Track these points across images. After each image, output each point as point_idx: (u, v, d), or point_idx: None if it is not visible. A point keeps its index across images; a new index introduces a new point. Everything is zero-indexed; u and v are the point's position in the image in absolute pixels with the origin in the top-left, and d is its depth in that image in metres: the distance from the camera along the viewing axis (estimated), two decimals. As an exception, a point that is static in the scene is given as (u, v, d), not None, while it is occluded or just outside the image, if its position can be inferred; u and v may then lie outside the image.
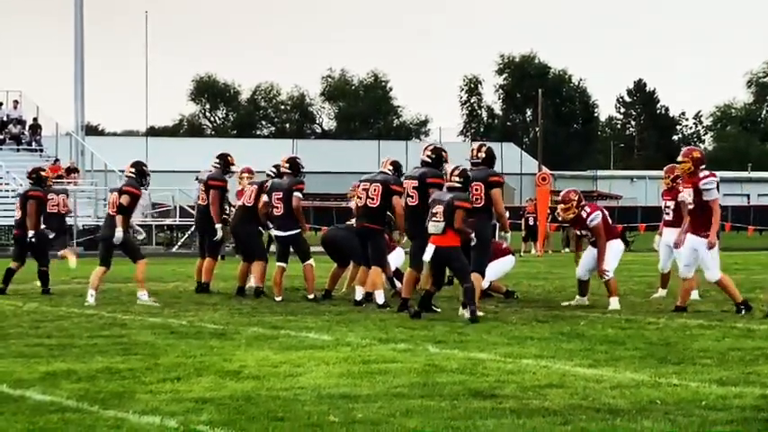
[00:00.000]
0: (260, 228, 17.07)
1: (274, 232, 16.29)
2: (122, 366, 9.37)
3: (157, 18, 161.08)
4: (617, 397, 7.87)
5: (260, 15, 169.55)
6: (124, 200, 15.52)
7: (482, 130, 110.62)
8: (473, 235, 13.35)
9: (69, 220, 38.00)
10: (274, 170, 16.70)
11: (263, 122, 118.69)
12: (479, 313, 13.02)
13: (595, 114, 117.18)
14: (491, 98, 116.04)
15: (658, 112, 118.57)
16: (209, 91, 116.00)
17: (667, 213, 16.45)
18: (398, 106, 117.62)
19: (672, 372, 9.03)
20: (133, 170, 15.92)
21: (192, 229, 30.37)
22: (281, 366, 9.31)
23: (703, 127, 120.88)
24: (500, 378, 8.68)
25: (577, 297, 15.20)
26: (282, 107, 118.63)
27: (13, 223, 18.20)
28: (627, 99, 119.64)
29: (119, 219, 15.58)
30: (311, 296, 15.82)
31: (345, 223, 16.92)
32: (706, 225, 13.61)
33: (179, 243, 38.90)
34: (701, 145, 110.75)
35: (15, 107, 46.27)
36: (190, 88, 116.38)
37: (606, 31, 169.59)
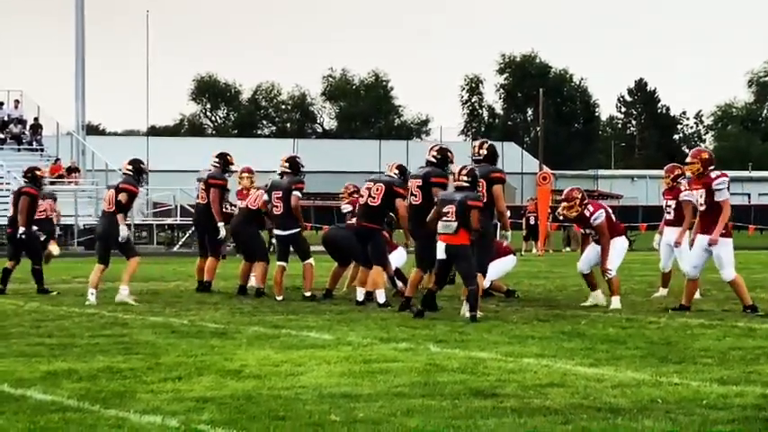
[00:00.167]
0: (260, 230, 17.07)
1: (275, 231, 16.29)
2: (123, 366, 9.37)
3: (158, 18, 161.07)
4: (618, 396, 7.87)
5: (261, 15, 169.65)
6: (123, 197, 15.52)
7: (483, 129, 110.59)
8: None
9: (70, 220, 38.26)
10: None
11: (264, 122, 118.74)
12: (480, 314, 13.02)
13: (596, 114, 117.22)
14: (492, 98, 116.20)
15: (659, 111, 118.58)
16: (209, 90, 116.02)
17: (668, 213, 16.45)
18: (399, 106, 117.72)
19: (673, 371, 9.03)
20: (130, 167, 15.91)
21: (193, 229, 30.33)
22: (283, 366, 9.31)
23: (704, 126, 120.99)
24: (501, 377, 8.68)
25: (590, 295, 15.02)
26: (283, 107, 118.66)
27: (7, 221, 18.04)
28: (628, 98, 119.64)
29: (120, 217, 15.63)
30: (308, 293, 15.81)
31: (345, 223, 16.90)
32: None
33: (180, 242, 38.90)
34: (702, 144, 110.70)
35: (16, 107, 46.28)
36: (191, 88, 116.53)
37: (607, 30, 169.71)
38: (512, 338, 11.21)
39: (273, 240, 17.13)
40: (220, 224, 17.56)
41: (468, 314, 13.01)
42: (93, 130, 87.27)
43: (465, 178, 13.40)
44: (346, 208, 17.07)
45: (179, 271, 23.52)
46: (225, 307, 14.85)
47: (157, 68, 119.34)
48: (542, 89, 71.85)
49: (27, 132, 45.72)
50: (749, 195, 79.99)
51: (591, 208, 14.70)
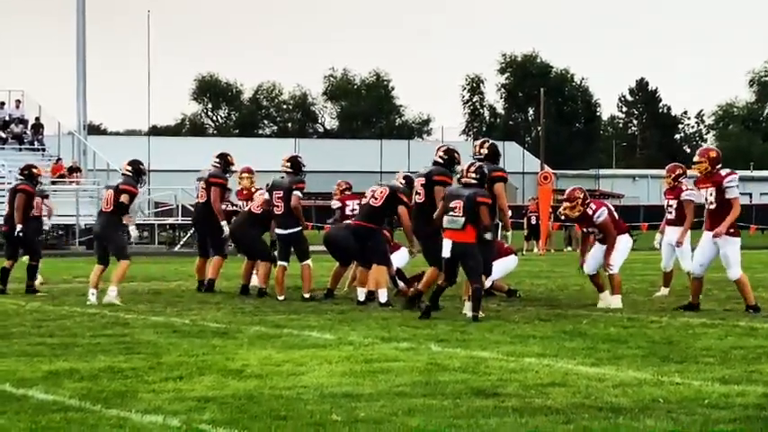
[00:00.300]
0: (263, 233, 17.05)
1: (276, 231, 16.28)
2: (125, 365, 9.37)
3: (159, 17, 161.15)
4: (619, 395, 7.87)
5: (262, 15, 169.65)
6: (125, 199, 15.54)
7: (484, 129, 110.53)
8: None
9: (71, 220, 38.30)
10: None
11: (266, 122, 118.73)
12: (481, 314, 13.00)
13: (597, 113, 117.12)
14: (493, 97, 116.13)
15: (660, 111, 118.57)
16: (211, 90, 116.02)
17: (669, 212, 16.44)
18: (400, 105, 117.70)
19: (674, 370, 9.02)
20: (130, 168, 15.92)
21: (193, 229, 30.33)
22: (284, 365, 9.31)
23: (705, 126, 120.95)
24: (502, 377, 8.68)
25: (600, 297, 14.87)
26: (284, 106, 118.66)
27: (2, 220, 17.97)
28: (629, 98, 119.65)
29: (127, 218, 15.80)
30: (307, 295, 15.79)
31: (345, 222, 16.91)
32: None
33: (181, 242, 38.91)
34: (703, 144, 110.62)
35: (18, 106, 46.29)
36: (192, 87, 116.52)
37: (608, 30, 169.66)
38: (513, 338, 11.21)
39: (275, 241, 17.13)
40: (223, 222, 17.59)
41: (469, 313, 13.01)
42: (94, 129, 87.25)
43: (473, 175, 13.38)
44: (335, 204, 17.24)
45: (180, 270, 23.53)
46: (227, 306, 14.86)
47: (159, 68, 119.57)
48: (543, 89, 71.88)
49: (28, 132, 45.72)
50: (750, 195, 79.91)
51: (593, 206, 14.68)
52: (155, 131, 79.19)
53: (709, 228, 13.73)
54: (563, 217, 15.47)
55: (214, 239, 17.87)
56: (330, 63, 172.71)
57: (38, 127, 46.00)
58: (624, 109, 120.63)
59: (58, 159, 43.55)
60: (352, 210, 17.85)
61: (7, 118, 45.47)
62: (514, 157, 73.73)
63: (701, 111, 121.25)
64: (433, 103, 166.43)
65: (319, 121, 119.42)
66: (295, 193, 15.85)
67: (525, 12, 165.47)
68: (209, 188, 17.79)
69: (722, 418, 7.08)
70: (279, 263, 16.10)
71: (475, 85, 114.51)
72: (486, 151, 14.47)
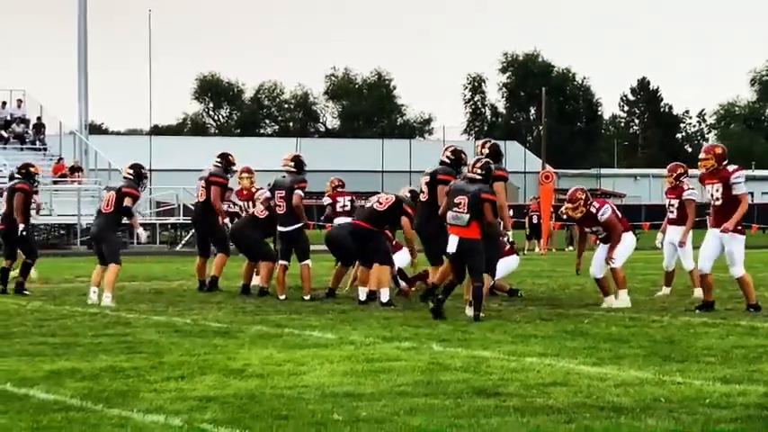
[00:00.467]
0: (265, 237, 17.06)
1: (278, 228, 16.28)
2: (126, 365, 9.37)
3: (161, 17, 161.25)
4: (621, 395, 7.87)
5: (263, 14, 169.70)
6: (128, 202, 15.59)
7: (485, 128, 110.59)
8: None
9: (73, 220, 38.30)
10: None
11: (267, 121, 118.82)
12: (482, 314, 12.99)
13: (599, 113, 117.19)
14: (494, 96, 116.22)
15: (662, 110, 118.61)
16: (212, 90, 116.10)
17: (671, 212, 16.42)
18: (402, 105, 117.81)
19: (676, 370, 9.02)
20: (131, 171, 15.96)
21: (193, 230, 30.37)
22: (285, 365, 9.31)
23: (707, 125, 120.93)
24: (504, 376, 8.67)
25: (605, 300, 14.76)
26: (286, 106, 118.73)
27: None
28: (630, 97, 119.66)
29: (134, 221, 16.09)
30: (307, 297, 15.77)
31: (347, 222, 16.94)
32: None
33: (183, 242, 38.92)
34: (705, 143, 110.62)
35: (19, 106, 46.33)
36: (193, 87, 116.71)
37: (610, 29, 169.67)
38: (515, 337, 11.20)
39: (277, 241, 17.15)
40: (226, 220, 17.63)
41: (471, 313, 12.98)
42: (95, 129, 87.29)
43: (479, 171, 13.33)
44: (326, 200, 17.37)
45: (182, 270, 23.52)
46: (228, 306, 14.86)
47: (160, 68, 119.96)
48: (545, 88, 71.87)
49: (30, 132, 45.75)
50: (752, 194, 79.94)
51: (596, 204, 14.67)
52: (156, 131, 79.24)
53: (713, 224, 13.68)
54: (565, 216, 15.44)
55: (215, 238, 17.86)
56: (331, 62, 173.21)
57: (39, 127, 46.02)
58: (626, 108, 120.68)
59: (60, 159, 43.58)
60: (343, 206, 17.96)
61: (9, 117, 45.50)
62: (516, 156, 73.70)
63: (703, 110, 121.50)
64: (435, 103, 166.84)
65: (321, 121, 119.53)
66: (297, 192, 15.85)
67: (527, 11, 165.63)
68: (208, 187, 17.79)
69: (723, 418, 7.07)
70: (280, 262, 16.10)
71: (476, 85, 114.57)
72: (487, 151, 14.48)
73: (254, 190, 18.42)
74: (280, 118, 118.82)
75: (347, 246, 15.74)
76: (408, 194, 15.72)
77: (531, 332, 11.62)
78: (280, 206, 15.98)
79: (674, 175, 16.42)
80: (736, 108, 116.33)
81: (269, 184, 16.66)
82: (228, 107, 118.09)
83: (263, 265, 16.78)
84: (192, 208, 21.93)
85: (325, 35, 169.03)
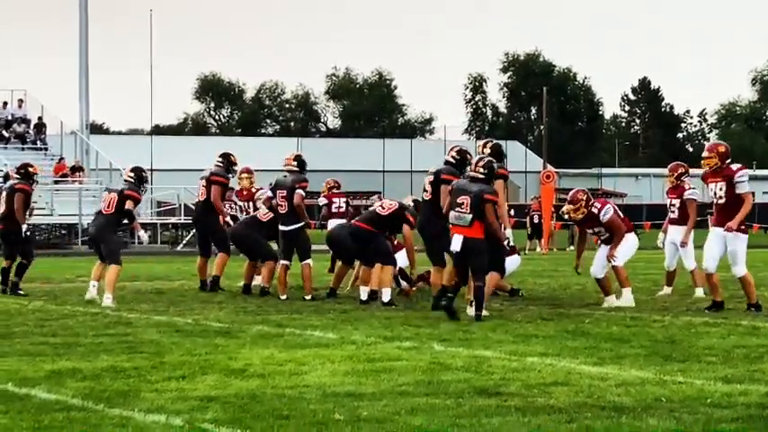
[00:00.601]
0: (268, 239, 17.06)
1: (280, 228, 16.29)
2: (127, 365, 9.37)
3: (162, 17, 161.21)
4: (622, 395, 7.87)
5: (264, 14, 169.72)
6: (130, 205, 15.62)
7: (487, 128, 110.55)
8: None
9: (74, 219, 38.29)
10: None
11: (268, 121, 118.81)
12: (485, 313, 12.98)
13: (600, 112, 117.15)
14: (496, 96, 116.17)
15: (663, 110, 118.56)
16: (213, 89, 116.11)
17: (672, 211, 16.41)
18: (403, 104, 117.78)
19: (677, 369, 9.02)
20: (132, 174, 15.99)
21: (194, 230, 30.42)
22: (286, 365, 9.31)
23: (708, 125, 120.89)
24: (505, 376, 8.67)
25: (606, 300, 14.76)
26: (287, 106, 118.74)
27: None
28: (631, 97, 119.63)
29: (136, 224, 16.27)
30: (308, 297, 15.77)
31: (348, 221, 16.97)
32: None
33: (184, 241, 38.93)
34: (706, 143, 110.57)
35: (20, 106, 46.33)
36: (194, 87, 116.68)
37: (611, 29, 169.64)
38: (516, 337, 11.20)
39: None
40: (227, 219, 17.64)
41: (472, 312, 12.97)
42: (96, 129, 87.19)
43: (481, 170, 13.30)
44: (322, 201, 17.40)
45: (183, 270, 23.52)
46: (229, 306, 14.86)
47: (161, 67, 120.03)
48: (546, 88, 71.82)
49: (31, 131, 45.76)
50: (753, 194, 79.95)
51: (598, 205, 14.66)
52: (157, 131, 79.32)
53: (716, 223, 13.66)
54: (566, 217, 15.42)
55: (216, 238, 17.86)
56: (333, 62, 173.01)
57: (40, 126, 46.04)
58: (627, 108, 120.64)
59: (61, 159, 43.59)
60: (338, 207, 18.01)
61: (10, 117, 45.51)
62: (517, 156, 73.75)
63: (704, 110, 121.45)
64: (436, 102, 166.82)
65: (322, 121, 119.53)
66: (298, 191, 15.86)
67: (528, 11, 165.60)
68: (209, 186, 17.79)
69: (725, 417, 7.07)
70: (281, 262, 16.10)
71: (477, 84, 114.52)
72: (489, 151, 14.47)
73: (254, 190, 18.43)
74: (281, 118, 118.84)
75: (348, 246, 15.75)
76: (411, 204, 15.73)
77: (533, 332, 11.62)
78: (281, 205, 15.99)
79: (675, 174, 16.42)
80: (737, 108, 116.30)
81: (270, 184, 16.67)
82: (229, 107, 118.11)
83: (264, 265, 16.78)
84: (193, 207, 21.93)
85: (325, 35, 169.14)
